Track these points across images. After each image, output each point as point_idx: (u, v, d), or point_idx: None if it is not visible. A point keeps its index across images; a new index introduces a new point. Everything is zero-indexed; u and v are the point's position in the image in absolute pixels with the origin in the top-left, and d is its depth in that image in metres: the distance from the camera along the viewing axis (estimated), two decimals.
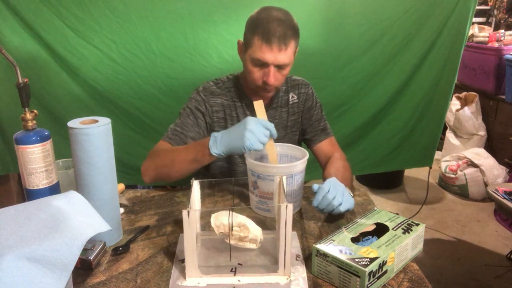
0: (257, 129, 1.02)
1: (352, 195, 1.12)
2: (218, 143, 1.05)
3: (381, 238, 0.88)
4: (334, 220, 1.12)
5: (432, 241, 2.43)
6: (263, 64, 1.18)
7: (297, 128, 1.42)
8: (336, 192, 1.03)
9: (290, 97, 1.38)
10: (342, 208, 1.04)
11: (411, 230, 0.92)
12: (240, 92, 1.34)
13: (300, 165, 1.12)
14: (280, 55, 1.16)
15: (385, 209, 1.05)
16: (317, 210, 1.07)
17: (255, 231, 0.89)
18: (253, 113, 1.35)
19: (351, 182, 1.28)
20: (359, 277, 0.79)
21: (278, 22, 1.14)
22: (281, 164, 1.10)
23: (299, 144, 1.45)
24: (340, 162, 1.29)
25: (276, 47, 1.14)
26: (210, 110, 1.32)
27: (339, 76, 1.91)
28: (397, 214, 1.00)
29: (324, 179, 1.16)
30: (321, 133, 1.40)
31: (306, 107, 1.40)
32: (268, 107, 1.36)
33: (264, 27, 1.14)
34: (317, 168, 1.43)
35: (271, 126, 1.06)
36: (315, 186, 1.06)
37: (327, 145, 1.39)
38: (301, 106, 1.40)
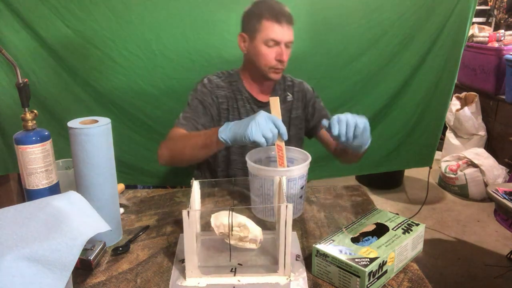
0: (264, 122, 1.00)
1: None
2: (227, 129, 1.06)
3: (381, 238, 0.88)
4: (334, 218, 1.12)
5: (432, 241, 2.43)
6: (276, 43, 1.26)
7: (301, 122, 1.45)
8: (355, 118, 1.02)
9: (287, 95, 1.43)
10: (361, 125, 1.03)
11: (411, 230, 0.92)
12: (241, 86, 1.38)
13: (302, 169, 1.09)
14: (289, 33, 1.27)
15: (385, 209, 1.05)
16: (340, 142, 1.04)
17: (255, 231, 0.89)
18: (253, 106, 1.36)
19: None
20: (359, 277, 0.79)
21: (280, 5, 1.27)
22: (282, 168, 1.08)
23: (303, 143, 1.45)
24: None
25: (285, 25, 1.25)
26: (217, 101, 1.35)
27: (339, 76, 1.91)
28: (397, 214, 1.00)
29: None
30: (326, 118, 1.40)
31: (307, 100, 1.45)
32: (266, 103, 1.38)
33: (271, 10, 1.25)
34: (317, 168, 1.44)
35: (281, 125, 1.02)
36: (325, 122, 1.04)
37: None
38: (299, 102, 1.44)
